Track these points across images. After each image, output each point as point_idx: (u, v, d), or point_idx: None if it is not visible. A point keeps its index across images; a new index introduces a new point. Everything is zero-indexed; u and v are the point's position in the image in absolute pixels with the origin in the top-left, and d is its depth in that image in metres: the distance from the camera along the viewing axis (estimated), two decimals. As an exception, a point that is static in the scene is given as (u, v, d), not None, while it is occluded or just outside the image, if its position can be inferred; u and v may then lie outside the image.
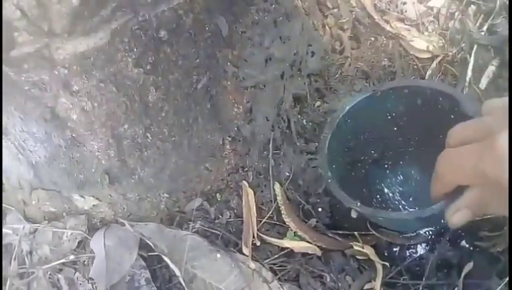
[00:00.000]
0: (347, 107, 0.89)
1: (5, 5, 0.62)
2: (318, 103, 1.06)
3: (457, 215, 0.56)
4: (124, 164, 0.87)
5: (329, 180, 0.80)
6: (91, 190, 0.92)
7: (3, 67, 0.71)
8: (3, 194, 1.00)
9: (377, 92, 0.89)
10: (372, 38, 1.13)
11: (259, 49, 0.96)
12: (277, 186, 0.96)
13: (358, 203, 0.76)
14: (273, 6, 0.96)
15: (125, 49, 0.74)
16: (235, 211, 0.96)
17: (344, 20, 1.15)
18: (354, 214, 0.78)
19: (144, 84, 0.80)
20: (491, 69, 1.07)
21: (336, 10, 1.17)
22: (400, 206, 0.95)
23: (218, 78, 0.92)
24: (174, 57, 0.81)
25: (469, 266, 0.79)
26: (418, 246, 0.86)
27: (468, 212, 0.56)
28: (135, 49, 0.75)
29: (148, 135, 0.86)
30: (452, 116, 0.84)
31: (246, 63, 0.95)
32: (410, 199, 0.94)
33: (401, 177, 0.97)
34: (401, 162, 0.97)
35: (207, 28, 0.85)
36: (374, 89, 0.90)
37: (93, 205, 0.95)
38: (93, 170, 0.88)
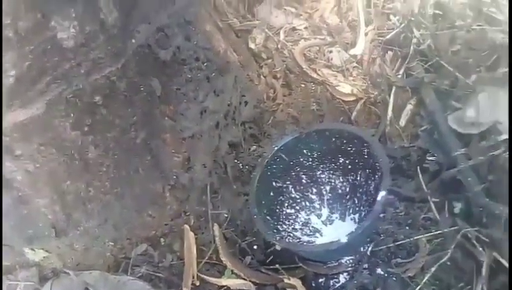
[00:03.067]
0: (275, 148, 1.00)
1: None
2: (254, 148, 1.15)
3: None
4: (69, 217, 0.94)
5: (255, 216, 0.89)
6: (40, 243, 0.98)
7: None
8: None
9: (302, 134, 1.01)
10: (302, 85, 1.23)
11: (194, 103, 1.05)
12: (216, 227, 1.04)
13: (277, 238, 0.85)
14: (205, 64, 1.06)
15: (61, 115, 0.82)
16: (178, 253, 1.03)
17: (277, 70, 1.26)
18: (278, 247, 0.88)
19: (83, 144, 0.88)
20: (409, 107, 1.18)
21: (270, 60, 1.28)
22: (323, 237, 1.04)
23: (157, 132, 1.01)
24: (110, 117, 0.90)
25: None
26: (340, 275, 0.94)
27: None
28: (72, 114, 0.83)
29: (91, 189, 0.93)
30: (364, 155, 0.97)
31: (182, 117, 1.04)
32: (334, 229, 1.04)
33: (327, 209, 1.06)
34: (326, 197, 1.07)
35: (142, 89, 0.95)
36: (300, 131, 1.01)
37: (44, 257, 1.00)
38: (40, 225, 0.94)
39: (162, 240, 1.05)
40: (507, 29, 1.18)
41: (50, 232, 0.95)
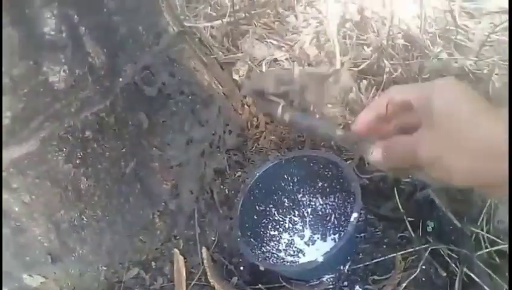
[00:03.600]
0: (257, 174, 1.07)
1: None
2: (239, 173, 1.22)
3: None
4: (64, 244, 1.00)
5: (238, 239, 0.96)
6: (37, 269, 1.04)
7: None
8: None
9: (282, 160, 1.08)
10: (284, 113, 1.30)
11: (180, 134, 1.13)
12: (204, 250, 1.10)
13: (260, 259, 0.91)
14: (190, 97, 1.14)
15: (54, 150, 0.89)
16: (168, 276, 1.09)
17: (260, 99, 1.33)
18: (261, 268, 0.94)
19: (76, 176, 0.95)
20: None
21: (253, 91, 1.35)
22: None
23: (146, 161, 1.08)
24: (101, 150, 0.97)
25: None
26: (322, 293, 1.00)
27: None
28: (64, 149, 0.91)
29: (84, 217, 1.00)
30: (340, 179, 1.04)
31: (169, 147, 1.11)
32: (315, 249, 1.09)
33: (309, 230, 1.13)
34: (308, 219, 1.13)
35: (130, 123, 1.02)
36: (280, 157, 1.08)
37: (41, 283, 1.06)
38: (37, 252, 1.00)
39: (153, 263, 1.11)
40: (475, 57, 1.26)
41: (46, 259, 1.01)
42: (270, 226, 1.12)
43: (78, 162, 0.94)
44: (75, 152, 0.92)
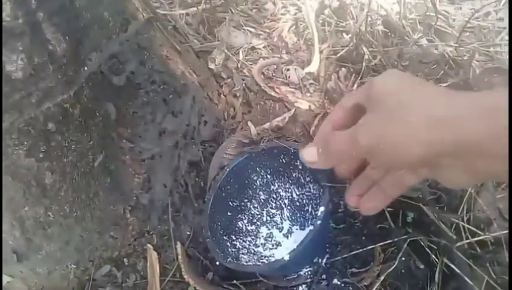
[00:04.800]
0: (228, 170, 1.03)
1: None
2: (215, 166, 1.17)
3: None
4: (29, 241, 0.96)
5: (207, 240, 0.92)
6: (3, 268, 1.00)
7: None
8: None
9: (252, 153, 1.04)
10: (262, 103, 1.27)
11: (152, 125, 1.08)
12: (179, 245, 1.06)
13: (228, 259, 0.88)
14: (162, 87, 1.09)
15: (15, 144, 0.84)
16: (141, 273, 1.05)
17: (237, 88, 1.29)
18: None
19: (39, 170, 0.90)
20: (364, 121, 1.22)
21: (229, 80, 1.32)
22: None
23: (116, 154, 1.03)
24: (66, 143, 0.92)
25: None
26: (299, 287, 0.97)
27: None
28: (25, 142, 0.86)
29: (50, 213, 0.95)
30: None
31: (140, 139, 1.07)
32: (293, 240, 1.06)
33: (288, 222, 1.10)
34: (285, 211, 1.10)
35: (97, 114, 0.97)
36: (249, 151, 1.04)
37: (7, 282, 1.02)
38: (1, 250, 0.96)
39: (125, 260, 1.07)
40: (456, 43, 1.23)
41: (12, 257, 0.97)
42: (246, 221, 1.08)
43: (41, 156, 0.89)
44: (37, 145, 0.87)
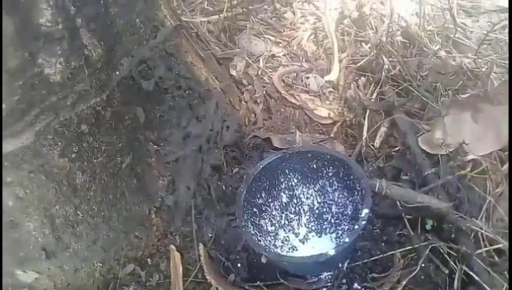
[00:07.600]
0: (261, 166, 1.05)
1: None
2: (236, 169, 1.20)
3: None
4: (58, 239, 0.99)
5: (243, 229, 0.94)
6: (31, 265, 1.02)
7: None
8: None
9: (286, 154, 1.06)
10: (282, 110, 1.30)
11: (177, 129, 1.11)
12: (201, 247, 1.09)
13: (267, 249, 0.90)
14: (187, 92, 1.12)
15: (50, 144, 0.87)
16: (165, 273, 1.08)
17: (257, 95, 1.32)
18: (264, 260, 0.93)
19: (71, 170, 0.93)
20: (382, 129, 1.25)
21: (250, 86, 1.35)
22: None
23: (142, 157, 1.06)
24: (97, 145, 0.95)
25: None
26: (320, 291, 0.99)
27: None
28: (59, 143, 0.89)
29: (79, 212, 0.98)
30: (341, 176, 1.04)
31: (166, 142, 1.10)
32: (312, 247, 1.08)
33: (305, 228, 1.12)
34: (302, 217, 1.12)
35: (126, 117, 1.00)
36: (284, 152, 1.07)
37: (35, 278, 1.05)
38: (31, 247, 0.98)
39: (149, 260, 1.10)
40: (474, 55, 1.25)
41: (40, 254, 0.99)
42: (267, 221, 1.10)
43: (73, 156, 0.92)
44: (70, 146, 0.90)
